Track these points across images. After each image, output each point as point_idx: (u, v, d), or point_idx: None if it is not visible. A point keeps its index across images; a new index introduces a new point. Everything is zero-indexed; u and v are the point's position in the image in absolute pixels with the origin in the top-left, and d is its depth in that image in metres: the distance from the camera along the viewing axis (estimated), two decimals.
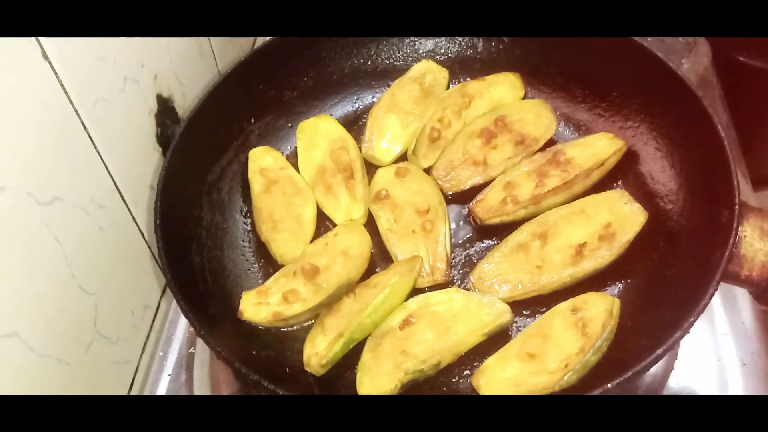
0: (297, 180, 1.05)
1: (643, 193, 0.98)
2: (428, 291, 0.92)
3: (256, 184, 1.03)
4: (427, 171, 1.05)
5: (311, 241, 0.99)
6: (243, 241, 1.02)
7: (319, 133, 1.09)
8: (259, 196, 1.02)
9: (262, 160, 1.06)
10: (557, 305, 0.88)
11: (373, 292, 0.88)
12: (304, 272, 0.92)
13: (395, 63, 1.18)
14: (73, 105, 0.77)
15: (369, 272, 0.94)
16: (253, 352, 0.88)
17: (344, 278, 0.90)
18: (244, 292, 0.92)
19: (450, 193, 1.03)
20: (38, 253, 0.73)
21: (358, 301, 0.88)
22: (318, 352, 0.85)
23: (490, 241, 0.98)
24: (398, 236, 0.97)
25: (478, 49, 1.17)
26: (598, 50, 1.03)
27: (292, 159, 1.09)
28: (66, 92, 0.76)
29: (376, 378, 0.83)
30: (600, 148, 1.01)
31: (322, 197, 1.03)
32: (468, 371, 0.86)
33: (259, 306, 0.90)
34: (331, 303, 0.89)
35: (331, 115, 1.14)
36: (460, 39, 1.17)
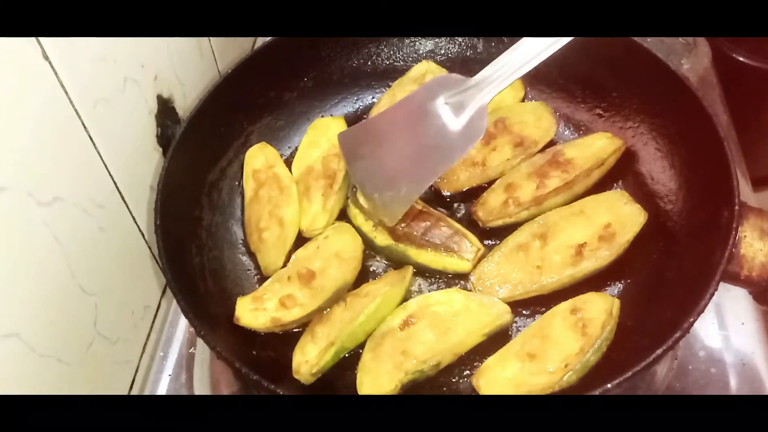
0: (283, 177, 1.03)
1: (643, 194, 0.98)
2: (429, 291, 0.92)
3: (248, 189, 1.03)
4: None
5: (298, 242, 0.98)
6: (243, 242, 1.02)
7: (325, 133, 1.08)
8: (249, 205, 1.02)
9: (255, 161, 1.05)
10: (557, 305, 0.88)
11: (364, 301, 0.88)
12: (300, 277, 0.91)
13: (395, 63, 1.18)
14: (73, 105, 0.77)
15: (362, 272, 0.95)
16: (253, 352, 0.88)
17: (341, 281, 0.90)
18: (238, 298, 0.91)
19: (449, 193, 1.03)
20: (38, 253, 0.73)
21: (350, 310, 0.88)
22: (308, 361, 0.85)
23: (490, 242, 0.98)
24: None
25: (478, 50, 1.17)
26: (598, 50, 1.03)
27: (292, 159, 1.08)
28: (66, 92, 0.76)
29: (377, 378, 0.83)
30: (599, 147, 1.01)
31: (300, 197, 1.02)
32: (468, 371, 0.86)
33: (256, 312, 0.89)
34: (328, 306, 0.89)
35: (332, 115, 1.14)
36: (460, 39, 1.17)
